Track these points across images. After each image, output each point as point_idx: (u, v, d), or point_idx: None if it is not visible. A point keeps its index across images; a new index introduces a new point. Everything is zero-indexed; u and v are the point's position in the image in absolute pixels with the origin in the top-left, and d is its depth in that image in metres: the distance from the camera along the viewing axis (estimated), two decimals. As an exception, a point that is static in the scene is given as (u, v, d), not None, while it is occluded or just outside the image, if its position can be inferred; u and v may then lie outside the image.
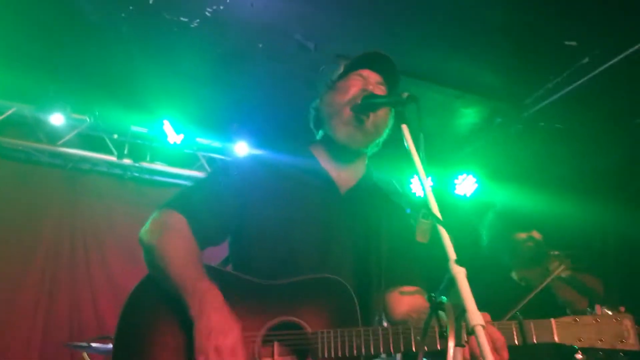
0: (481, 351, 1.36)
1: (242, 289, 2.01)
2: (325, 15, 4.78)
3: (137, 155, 6.58)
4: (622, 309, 1.88)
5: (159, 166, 6.74)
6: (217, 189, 2.22)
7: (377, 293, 2.15)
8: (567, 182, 6.30)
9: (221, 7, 4.70)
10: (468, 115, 6.29)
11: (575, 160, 6.44)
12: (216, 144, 6.91)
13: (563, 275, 3.57)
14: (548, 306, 3.38)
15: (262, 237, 2.15)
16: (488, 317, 1.84)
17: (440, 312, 1.53)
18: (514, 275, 3.98)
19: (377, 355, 1.87)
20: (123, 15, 4.82)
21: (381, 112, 2.22)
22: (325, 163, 2.32)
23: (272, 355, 1.92)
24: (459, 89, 5.72)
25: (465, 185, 7.22)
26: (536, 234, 3.89)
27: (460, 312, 1.45)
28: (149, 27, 4.99)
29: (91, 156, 6.50)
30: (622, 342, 1.82)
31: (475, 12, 4.69)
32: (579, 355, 2.10)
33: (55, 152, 6.37)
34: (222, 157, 7.02)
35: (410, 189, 7.28)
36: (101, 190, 6.77)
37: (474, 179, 7.19)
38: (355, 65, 2.28)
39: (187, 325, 1.86)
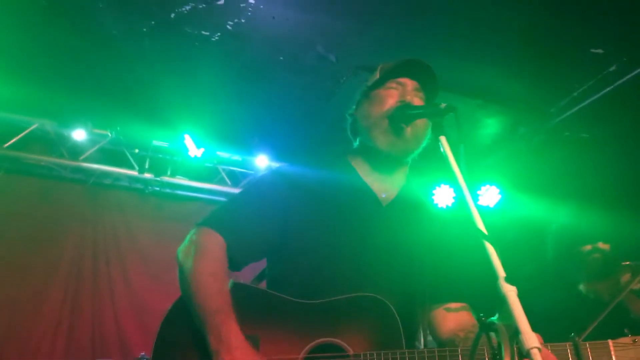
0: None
1: (279, 309, 1.95)
2: (347, 27, 4.75)
3: (158, 169, 6.60)
4: None
5: (180, 180, 6.73)
6: (256, 207, 2.16)
7: (422, 309, 2.09)
8: (593, 193, 6.17)
9: (242, 21, 4.69)
10: (491, 125, 6.20)
11: (602, 170, 6.31)
12: (236, 157, 6.89)
13: (636, 287, 3.37)
14: (618, 322, 3.23)
15: (302, 255, 2.08)
16: (541, 340, 1.73)
17: (491, 334, 1.46)
18: (582, 288, 3.78)
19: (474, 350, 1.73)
20: (144, 29, 4.82)
21: (420, 122, 2.15)
22: (365, 174, 2.25)
23: None
24: (481, 98, 5.64)
25: (489, 196, 7.11)
26: (602, 245, 3.71)
27: (513, 333, 1.38)
28: (170, 42, 4.98)
29: (112, 171, 6.53)
30: None
31: (498, 19, 4.62)
32: None
33: (77, 167, 6.39)
34: (243, 170, 7.01)
35: (433, 201, 7.18)
36: (123, 204, 6.79)
37: (498, 190, 7.07)
38: (393, 72, 2.21)
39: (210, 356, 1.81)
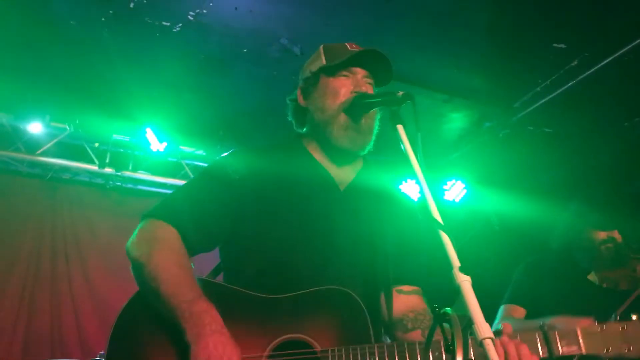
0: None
1: (242, 305, 1.87)
2: (311, 20, 4.69)
3: (119, 164, 6.44)
4: None
5: (142, 175, 6.59)
6: (206, 195, 2.05)
7: (386, 292, 2.05)
8: (557, 186, 6.26)
9: (204, 11, 4.59)
10: (456, 120, 6.23)
11: (565, 163, 6.41)
12: (200, 151, 6.78)
13: None
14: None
15: (260, 245, 2.00)
16: (510, 329, 1.73)
17: (445, 324, 1.42)
18: (592, 277, 3.66)
19: (430, 340, 1.69)
20: (103, 19, 4.68)
21: (372, 112, 2.11)
22: (322, 159, 2.18)
23: None
24: (446, 92, 5.66)
25: (454, 191, 7.16)
26: (617, 235, 3.57)
27: (466, 323, 1.34)
28: (130, 32, 4.85)
29: (72, 165, 6.35)
30: None
31: (463, 15, 4.63)
32: None
33: (34, 161, 6.20)
34: (206, 165, 6.88)
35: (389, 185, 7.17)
36: (82, 200, 6.63)
37: (463, 185, 7.13)
38: (342, 64, 2.14)
39: (182, 350, 1.71)
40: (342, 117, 2.09)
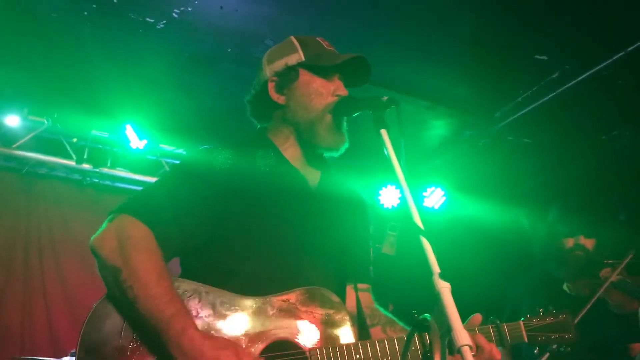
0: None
1: (226, 307, 1.81)
2: (296, 21, 4.68)
3: (97, 160, 6.35)
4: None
5: (120, 172, 6.51)
6: (181, 193, 1.93)
7: (353, 287, 2.09)
8: (533, 195, 6.32)
9: (189, 9, 4.55)
10: (438, 127, 6.26)
11: (542, 174, 6.48)
12: (180, 150, 6.71)
13: (614, 280, 3.37)
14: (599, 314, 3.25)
15: (236, 247, 1.96)
16: (479, 319, 1.96)
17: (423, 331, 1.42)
18: (565, 287, 3.70)
19: (408, 346, 1.75)
20: (85, 13, 4.61)
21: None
22: (291, 157, 2.17)
23: None
24: (429, 100, 5.69)
25: (434, 197, 7.19)
26: (584, 240, 3.58)
27: (444, 330, 1.34)
28: (112, 27, 4.79)
29: (48, 160, 6.24)
30: (568, 336, 2.11)
31: (447, 23, 4.66)
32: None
33: (10, 155, 6.08)
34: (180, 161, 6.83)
35: (379, 201, 7.20)
36: (58, 196, 6.51)
37: (442, 192, 7.17)
38: (333, 68, 2.14)
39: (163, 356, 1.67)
40: (328, 118, 2.10)
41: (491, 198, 6.76)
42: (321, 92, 2.12)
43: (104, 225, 1.86)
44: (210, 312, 1.76)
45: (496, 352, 1.89)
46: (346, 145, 2.16)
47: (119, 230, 1.82)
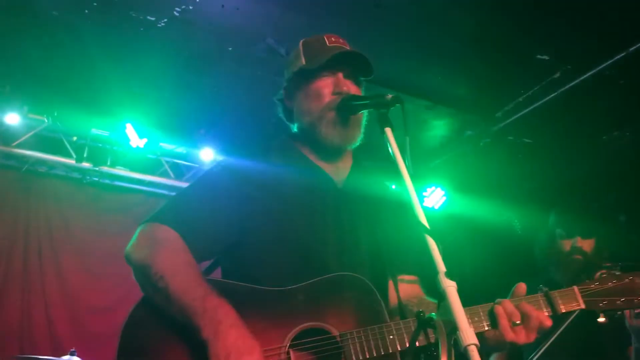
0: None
1: (255, 300, 1.83)
2: (298, 21, 4.67)
3: (97, 159, 6.34)
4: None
5: (120, 171, 6.50)
6: (209, 201, 2.01)
7: (393, 280, 2.05)
8: (534, 196, 6.32)
9: (190, 7, 4.54)
10: (438, 127, 6.26)
11: (542, 174, 6.47)
12: (180, 149, 6.71)
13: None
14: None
15: (267, 245, 1.98)
16: (524, 289, 1.87)
17: (429, 329, 1.41)
18: None
19: (413, 346, 1.71)
20: (86, 11, 4.60)
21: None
22: (315, 159, 2.18)
23: None
24: (430, 99, 5.68)
25: (434, 197, 7.19)
26: (581, 241, 3.45)
27: (451, 329, 1.34)
28: (113, 25, 4.77)
29: (48, 158, 6.24)
30: (638, 299, 1.93)
31: (449, 23, 4.66)
32: (601, 319, 2.19)
33: (10, 153, 6.09)
34: (187, 163, 6.84)
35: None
36: (58, 194, 6.50)
37: (442, 192, 7.16)
38: (326, 62, 2.12)
39: (200, 351, 1.67)
40: (330, 115, 2.09)
41: (491, 198, 6.76)
42: (318, 94, 2.12)
43: (135, 234, 1.93)
44: (238, 305, 1.75)
45: (545, 318, 1.79)
46: (355, 137, 2.14)
47: (148, 237, 1.91)
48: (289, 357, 1.74)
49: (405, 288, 2.09)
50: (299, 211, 2.03)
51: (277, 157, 2.17)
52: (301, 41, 2.26)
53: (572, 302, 1.91)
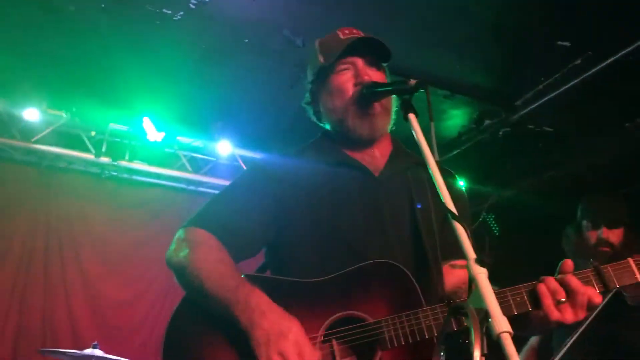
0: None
1: (290, 292, 1.86)
2: (315, 12, 4.63)
3: (115, 153, 6.36)
4: None
5: (138, 165, 6.51)
6: (245, 201, 2.04)
7: (436, 267, 2.00)
8: (556, 185, 6.24)
9: (206, 0, 4.52)
10: (456, 117, 6.18)
11: (563, 163, 6.38)
12: (198, 142, 6.71)
13: None
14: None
15: (306, 240, 1.99)
16: (570, 265, 1.74)
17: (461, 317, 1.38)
18: None
19: (450, 331, 1.69)
20: (102, 5, 4.61)
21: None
22: (350, 151, 2.16)
23: (334, 356, 1.75)
24: (448, 88, 5.60)
25: (452, 188, 7.12)
26: (607, 233, 3.37)
27: (482, 317, 1.30)
28: (129, 19, 4.78)
29: (67, 154, 6.26)
30: None
31: (467, 10, 4.58)
32: None
33: (29, 149, 6.12)
34: (205, 156, 6.85)
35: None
36: (77, 189, 6.54)
37: (462, 183, 7.09)
38: (340, 54, 2.09)
39: (241, 340, 1.70)
40: (354, 109, 2.07)
41: (511, 189, 6.69)
42: (340, 89, 2.10)
43: (174, 239, 2.00)
44: (272, 298, 1.77)
45: (594, 294, 1.67)
46: (385, 124, 2.11)
47: (185, 240, 1.97)
48: (332, 346, 1.75)
49: (457, 273, 2.05)
50: (334, 205, 2.02)
51: (311, 154, 2.17)
52: (316, 41, 2.24)
53: (627, 275, 1.77)
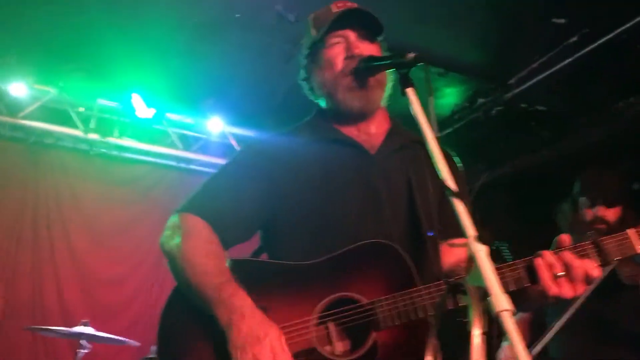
0: (510, 339, 1.18)
1: (283, 276, 1.84)
2: (307, -15, 4.54)
3: (104, 130, 6.29)
4: None
5: (127, 142, 6.44)
6: (237, 184, 2.01)
7: (434, 246, 1.95)
8: (548, 164, 6.23)
9: (197, -28, 4.42)
10: (450, 95, 6.14)
11: (555, 142, 6.36)
12: (189, 119, 6.63)
13: None
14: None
15: (300, 222, 1.95)
16: (568, 240, 1.68)
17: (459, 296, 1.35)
18: None
19: (445, 311, 1.65)
20: (91, -23, 4.49)
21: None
22: (344, 129, 2.11)
23: (329, 338, 1.74)
24: (442, 66, 5.55)
25: (444, 167, 7.09)
26: (603, 211, 3.31)
27: (482, 295, 1.28)
28: (118, -8, 4.67)
29: (55, 130, 6.18)
30: None
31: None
32: None
33: (16, 124, 6.03)
34: (195, 133, 6.78)
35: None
36: (66, 166, 6.45)
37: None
38: (331, 27, 2.04)
39: (222, 339, 1.69)
40: (345, 80, 2.01)
41: (504, 167, 6.67)
42: (331, 62, 2.05)
43: (167, 225, 1.98)
44: (264, 283, 1.78)
45: (592, 266, 1.61)
46: (376, 98, 2.06)
47: (177, 227, 1.94)
48: (327, 329, 1.73)
49: (456, 252, 2.00)
50: (329, 185, 1.98)
51: (305, 134, 2.12)
52: (311, 15, 2.19)
53: (627, 247, 1.70)
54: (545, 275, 1.62)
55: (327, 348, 1.72)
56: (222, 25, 5.05)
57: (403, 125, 2.21)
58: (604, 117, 5.93)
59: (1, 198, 6.04)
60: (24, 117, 5.95)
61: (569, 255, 1.64)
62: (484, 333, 1.21)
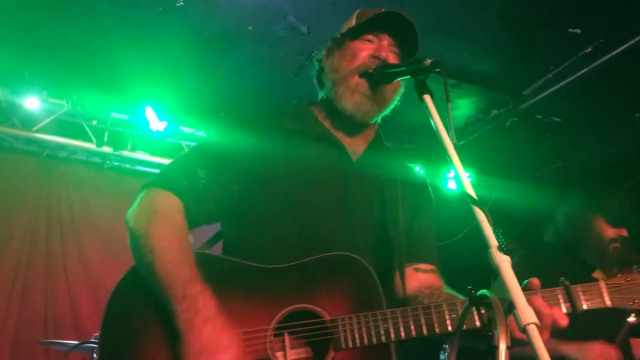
0: (536, 352, 1.14)
1: (246, 278, 1.76)
2: (319, -2, 4.53)
3: (117, 143, 6.30)
4: None
5: (140, 155, 6.45)
6: (211, 162, 1.93)
7: (400, 267, 1.92)
8: (563, 176, 6.15)
9: (209, -15, 4.43)
10: (463, 106, 6.09)
11: (571, 154, 6.29)
12: (201, 133, 6.63)
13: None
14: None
15: (268, 216, 1.88)
16: (537, 283, 1.66)
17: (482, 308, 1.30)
18: (598, 275, 3.45)
19: (409, 339, 1.64)
20: (105, -9, 4.51)
21: (395, 84, 2.00)
22: (332, 128, 2.07)
23: (284, 350, 1.66)
24: (455, 77, 5.50)
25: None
26: (625, 233, 3.34)
27: (507, 308, 1.23)
28: (131, 6, 4.68)
29: (69, 143, 6.20)
30: None
31: (475, -4, 4.49)
32: (631, 319, 1.92)
33: (30, 138, 6.05)
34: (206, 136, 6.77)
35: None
36: (79, 179, 6.49)
37: (467, 174, 6.99)
38: (371, 23, 2.02)
39: (175, 336, 1.61)
40: (354, 80, 1.98)
41: (518, 180, 6.60)
42: (354, 54, 2.01)
43: (137, 199, 1.90)
44: (227, 282, 1.71)
45: (560, 316, 1.57)
46: (372, 112, 2.01)
47: (147, 202, 1.88)
48: (283, 340, 1.67)
49: (421, 277, 1.98)
50: (303, 182, 1.92)
51: (290, 122, 2.06)
52: (358, 10, 2.16)
53: (597, 298, 1.70)
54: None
55: None
56: (235, 37, 5.05)
57: (385, 140, 2.17)
58: (620, 129, 5.86)
59: (15, 210, 6.07)
60: (38, 131, 5.98)
61: (539, 302, 1.60)
62: (508, 348, 1.16)
